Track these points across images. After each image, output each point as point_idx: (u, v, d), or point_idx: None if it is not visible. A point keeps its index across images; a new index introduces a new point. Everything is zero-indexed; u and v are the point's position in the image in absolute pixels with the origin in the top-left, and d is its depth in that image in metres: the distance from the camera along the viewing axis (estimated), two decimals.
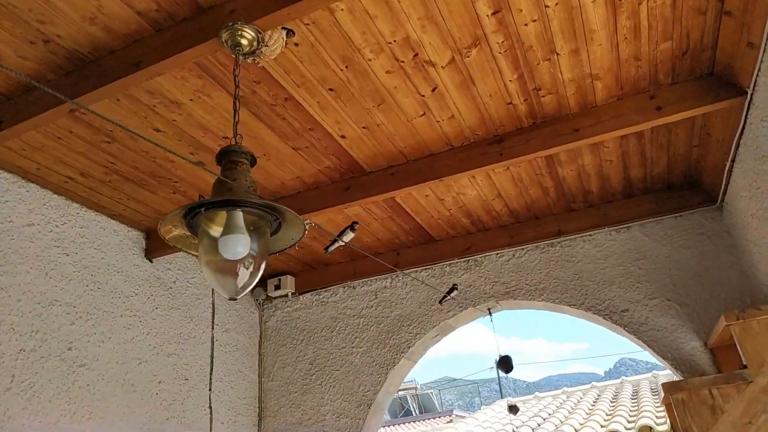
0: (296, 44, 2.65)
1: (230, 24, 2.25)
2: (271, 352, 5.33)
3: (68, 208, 3.80)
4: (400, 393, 26.39)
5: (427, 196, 4.18)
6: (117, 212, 4.04)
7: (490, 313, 4.78)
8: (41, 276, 3.51)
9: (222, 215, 1.92)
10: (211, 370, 4.72)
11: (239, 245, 1.86)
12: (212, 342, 4.81)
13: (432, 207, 4.36)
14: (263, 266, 1.94)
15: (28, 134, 3.11)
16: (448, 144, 3.55)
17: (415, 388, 26.82)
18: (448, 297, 4.15)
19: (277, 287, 5.31)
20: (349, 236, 2.87)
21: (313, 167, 3.71)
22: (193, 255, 2.05)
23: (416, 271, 5.00)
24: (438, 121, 3.31)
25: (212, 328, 4.84)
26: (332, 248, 2.99)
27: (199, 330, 4.70)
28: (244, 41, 2.29)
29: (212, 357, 4.75)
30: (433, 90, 3.04)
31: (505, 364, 4.55)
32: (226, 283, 1.86)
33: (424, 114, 3.24)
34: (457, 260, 4.89)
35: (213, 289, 5.13)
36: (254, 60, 2.43)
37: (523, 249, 4.70)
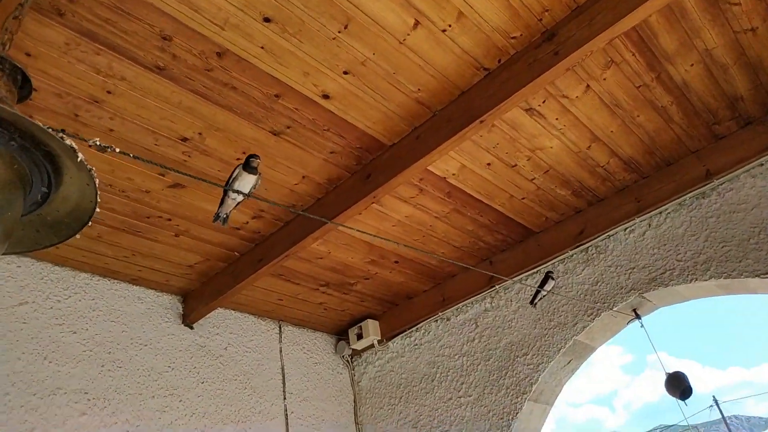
0: None
1: None
2: (368, 418, 4.26)
3: (74, 279, 3.27)
4: None
5: (489, 164, 3.01)
6: (135, 276, 3.45)
7: (638, 316, 3.29)
8: (38, 361, 2.95)
9: None
10: None
11: None
12: (286, 416, 3.90)
13: (506, 181, 3.16)
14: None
15: None
16: (478, 68, 2.43)
17: None
18: (543, 292, 2.83)
19: (360, 336, 4.32)
20: (250, 182, 1.79)
21: (315, 158, 2.79)
22: None
23: (521, 279, 3.71)
24: (445, 31, 2.24)
25: (284, 399, 3.96)
26: (227, 211, 1.91)
27: (265, 403, 3.84)
28: None
29: None
30: None
31: (676, 384, 2.99)
32: None
33: (418, 24, 2.20)
34: (570, 252, 3.53)
35: (281, 350, 4.34)
36: None
37: (660, 212, 3.23)
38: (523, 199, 3.32)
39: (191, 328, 3.68)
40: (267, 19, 2.10)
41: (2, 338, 2.88)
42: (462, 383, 3.77)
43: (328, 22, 2.14)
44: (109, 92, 2.29)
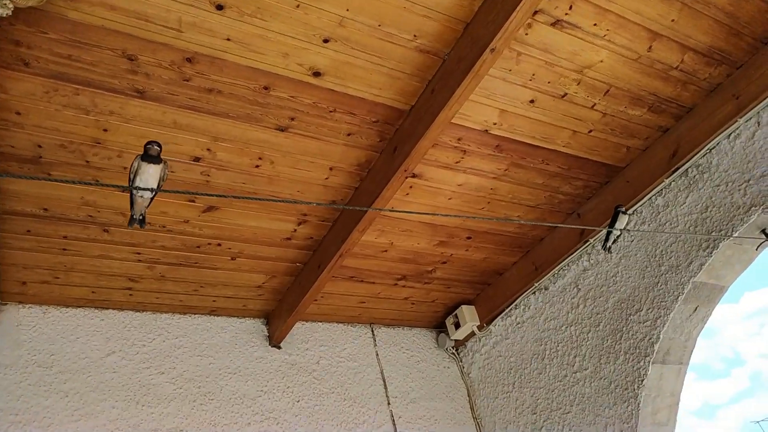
0: None
1: None
2: (485, 411, 3.92)
3: (155, 322, 3.35)
4: None
5: (532, 101, 2.58)
6: (212, 307, 3.46)
7: None
8: (131, 406, 3.02)
9: None
10: None
11: None
12: (393, 422, 3.69)
13: (560, 116, 2.69)
14: None
15: (35, 258, 2.77)
16: None
17: None
18: (616, 232, 2.31)
19: (457, 325, 4.00)
20: (155, 174, 1.50)
21: (334, 146, 2.57)
22: None
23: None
24: None
25: (388, 404, 3.75)
26: (140, 211, 1.63)
27: (369, 411, 3.66)
28: None
29: None
30: None
31: None
32: None
33: None
34: (666, 180, 2.95)
35: (377, 353, 4.14)
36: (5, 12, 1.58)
37: None
38: (590, 132, 2.83)
39: (279, 347, 3.62)
40: (219, 6, 1.93)
41: (95, 390, 2.99)
42: (575, 356, 3.30)
43: None
44: (105, 130, 2.25)
